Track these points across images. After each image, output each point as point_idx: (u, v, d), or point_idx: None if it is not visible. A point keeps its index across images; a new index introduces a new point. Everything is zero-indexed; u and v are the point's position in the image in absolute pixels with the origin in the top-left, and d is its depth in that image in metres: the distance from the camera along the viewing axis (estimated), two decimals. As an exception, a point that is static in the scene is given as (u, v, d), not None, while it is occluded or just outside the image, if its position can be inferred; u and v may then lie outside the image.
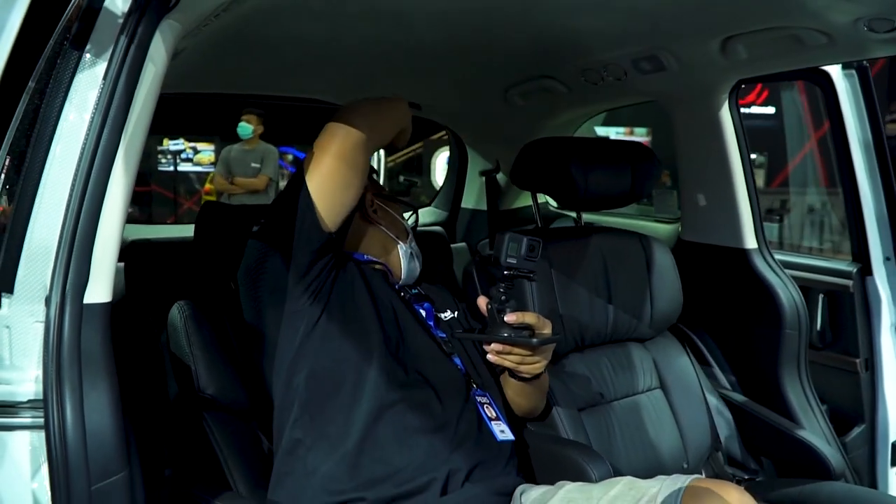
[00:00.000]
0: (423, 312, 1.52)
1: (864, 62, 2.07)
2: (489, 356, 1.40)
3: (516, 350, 1.38)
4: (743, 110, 2.08)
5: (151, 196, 10.71)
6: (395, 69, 2.23)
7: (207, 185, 9.47)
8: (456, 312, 1.61)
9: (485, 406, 1.42)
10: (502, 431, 1.41)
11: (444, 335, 1.51)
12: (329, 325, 1.35)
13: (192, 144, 10.35)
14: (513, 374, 1.47)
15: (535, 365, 1.42)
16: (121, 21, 1.03)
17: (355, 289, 1.40)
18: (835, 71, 2.05)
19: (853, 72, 2.07)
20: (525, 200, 2.94)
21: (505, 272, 1.37)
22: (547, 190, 1.97)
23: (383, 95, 1.51)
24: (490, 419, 1.40)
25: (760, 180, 9.58)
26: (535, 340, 1.37)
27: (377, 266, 1.52)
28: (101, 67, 1.03)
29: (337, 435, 1.29)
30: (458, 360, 1.47)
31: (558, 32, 1.84)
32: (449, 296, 1.66)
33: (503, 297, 1.38)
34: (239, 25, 1.62)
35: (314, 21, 1.71)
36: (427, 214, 3.15)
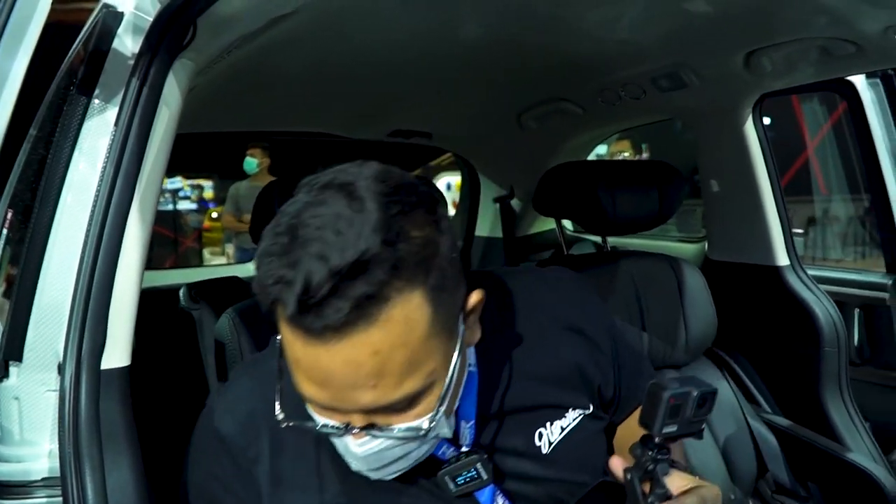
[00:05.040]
0: None
1: (889, 70, 2.02)
2: None
3: None
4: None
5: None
6: (405, 98, 2.18)
7: (207, 223, 9.41)
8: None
9: None
10: None
11: (454, 450, 0.92)
12: None
13: (191, 182, 10.31)
14: None
15: None
16: (131, 62, 0.97)
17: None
18: (859, 81, 2.01)
19: (878, 80, 2.04)
20: (541, 226, 2.88)
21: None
22: (573, 215, 1.90)
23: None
24: None
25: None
26: None
27: None
28: (112, 113, 0.97)
29: None
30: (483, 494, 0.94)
31: (573, 53, 1.78)
32: None
33: (650, 467, 0.90)
34: (248, 61, 1.56)
35: (323, 52, 1.66)
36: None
